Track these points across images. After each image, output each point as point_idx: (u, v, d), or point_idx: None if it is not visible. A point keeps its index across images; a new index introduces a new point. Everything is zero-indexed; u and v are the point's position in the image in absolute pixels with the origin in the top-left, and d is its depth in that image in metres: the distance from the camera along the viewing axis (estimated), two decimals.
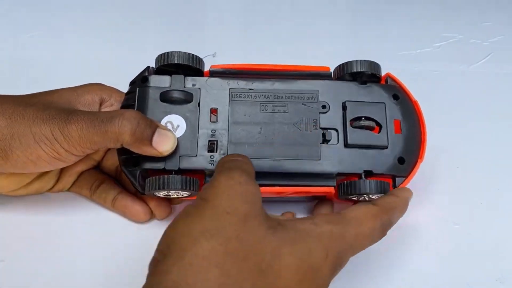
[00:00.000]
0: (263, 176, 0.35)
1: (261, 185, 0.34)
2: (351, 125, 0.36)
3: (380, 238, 0.32)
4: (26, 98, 0.34)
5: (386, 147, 0.36)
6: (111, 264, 0.37)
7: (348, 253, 0.29)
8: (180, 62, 0.36)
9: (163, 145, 0.33)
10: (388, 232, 0.40)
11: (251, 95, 0.37)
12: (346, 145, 0.36)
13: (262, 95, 0.37)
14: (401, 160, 0.36)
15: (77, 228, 0.39)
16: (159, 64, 0.37)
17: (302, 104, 0.37)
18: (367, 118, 0.36)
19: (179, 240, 0.25)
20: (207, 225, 0.25)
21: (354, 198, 0.36)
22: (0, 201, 0.39)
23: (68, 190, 0.40)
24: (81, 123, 0.32)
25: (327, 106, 0.37)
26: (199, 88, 0.36)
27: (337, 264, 0.28)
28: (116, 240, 0.38)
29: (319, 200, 0.39)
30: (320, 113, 0.36)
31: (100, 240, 0.38)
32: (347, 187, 0.35)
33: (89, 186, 0.39)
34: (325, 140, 0.36)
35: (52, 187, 0.39)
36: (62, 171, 0.39)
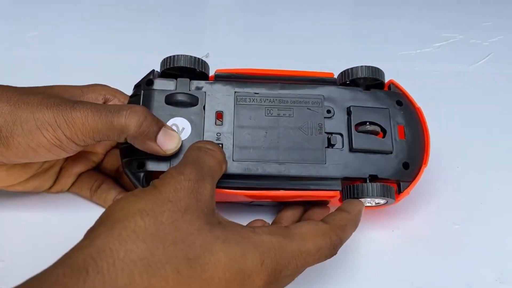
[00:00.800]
0: (268, 180, 0.35)
1: (266, 189, 0.35)
2: (356, 130, 0.36)
3: (330, 256, 0.31)
4: (32, 89, 0.34)
5: (391, 152, 0.36)
6: None
7: (287, 269, 0.29)
8: (185, 66, 0.36)
9: (168, 143, 0.33)
10: (389, 233, 0.40)
11: (257, 99, 0.37)
12: (351, 149, 0.36)
13: (267, 99, 0.37)
14: (405, 165, 0.36)
15: (77, 228, 0.39)
16: (164, 68, 0.37)
17: (307, 108, 0.37)
18: (372, 123, 0.36)
19: (117, 212, 0.26)
20: (146, 206, 0.26)
21: None
22: (0, 201, 0.39)
23: (68, 191, 0.40)
24: (87, 111, 0.32)
25: (332, 111, 0.37)
26: (205, 92, 0.36)
27: (272, 277, 0.28)
28: None
29: (286, 205, 0.38)
30: (325, 117, 0.36)
31: None
32: (352, 190, 0.35)
33: (89, 186, 0.39)
34: (330, 145, 0.36)
35: (51, 187, 0.39)
36: (60, 171, 0.39)
